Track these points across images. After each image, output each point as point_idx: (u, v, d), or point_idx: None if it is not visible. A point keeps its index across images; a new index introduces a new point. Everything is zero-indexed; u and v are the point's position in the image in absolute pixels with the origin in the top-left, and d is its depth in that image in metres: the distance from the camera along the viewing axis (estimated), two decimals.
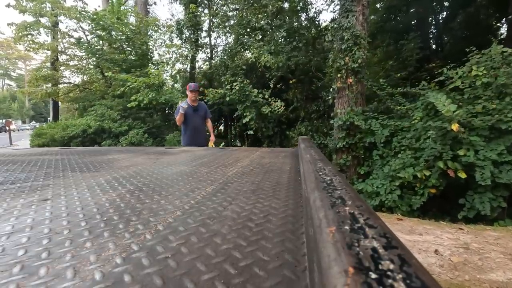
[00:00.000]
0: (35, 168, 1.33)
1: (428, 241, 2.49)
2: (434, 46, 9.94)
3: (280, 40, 7.69)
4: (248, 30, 8.12)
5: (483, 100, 3.70)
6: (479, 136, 3.47)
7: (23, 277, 0.40)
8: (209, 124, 3.90)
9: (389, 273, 0.19)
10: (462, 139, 3.48)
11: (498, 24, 9.18)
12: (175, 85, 10.50)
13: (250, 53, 8.13)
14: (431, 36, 10.01)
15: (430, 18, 9.93)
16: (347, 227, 0.27)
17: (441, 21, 10.08)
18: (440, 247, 2.36)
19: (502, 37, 8.80)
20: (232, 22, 10.01)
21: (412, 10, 9.45)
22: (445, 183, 3.59)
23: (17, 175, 1.16)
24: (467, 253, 2.24)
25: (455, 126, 3.39)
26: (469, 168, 3.38)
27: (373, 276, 0.19)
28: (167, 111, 9.89)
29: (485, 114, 3.58)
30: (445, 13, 10.01)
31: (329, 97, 5.83)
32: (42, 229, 0.58)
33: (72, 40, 10.07)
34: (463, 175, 3.37)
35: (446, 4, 9.69)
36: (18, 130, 31.72)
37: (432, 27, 10.11)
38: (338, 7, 6.61)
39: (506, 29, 9.12)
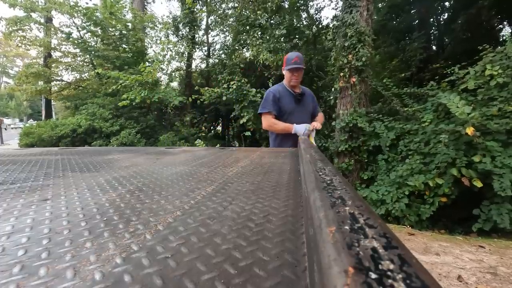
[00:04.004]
0: (35, 168, 1.33)
1: (448, 263, 2.25)
2: (434, 48, 9.92)
3: (280, 38, 7.58)
4: (247, 27, 8.02)
5: (498, 102, 3.46)
6: (495, 141, 3.21)
7: (23, 277, 0.40)
8: (321, 116, 2.44)
9: (389, 273, 0.19)
10: (477, 144, 3.22)
11: (500, 26, 9.13)
12: (171, 83, 10.36)
13: (249, 50, 8.03)
14: (432, 37, 9.99)
15: (432, 19, 9.91)
16: (347, 227, 0.27)
17: (442, 22, 10.06)
18: (462, 271, 2.10)
19: (503, 38, 8.77)
20: (230, 19, 9.94)
21: (413, 10, 9.42)
22: (457, 192, 3.34)
23: (17, 175, 1.16)
24: (496, 280, 1.97)
25: (470, 130, 3.14)
26: (485, 176, 3.13)
27: (373, 276, 0.19)
28: (163, 110, 9.68)
29: (501, 117, 3.34)
30: (446, 14, 9.99)
31: (331, 97, 5.64)
32: (42, 229, 0.58)
33: (64, 36, 9.84)
34: (479, 184, 3.09)
35: (447, 4, 9.68)
36: (7, 129, 30.74)
37: (433, 28, 10.09)
38: (340, 3, 6.52)
39: (507, 30, 9.11)
